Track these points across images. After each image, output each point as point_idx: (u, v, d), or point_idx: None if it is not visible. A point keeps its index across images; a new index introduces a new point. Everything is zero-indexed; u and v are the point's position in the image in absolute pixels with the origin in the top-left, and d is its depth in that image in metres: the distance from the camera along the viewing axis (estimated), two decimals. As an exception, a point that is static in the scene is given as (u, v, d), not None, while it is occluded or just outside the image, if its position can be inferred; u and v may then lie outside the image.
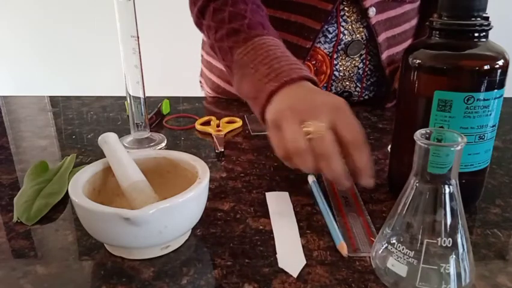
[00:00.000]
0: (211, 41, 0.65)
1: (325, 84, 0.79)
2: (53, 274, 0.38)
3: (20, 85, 2.16)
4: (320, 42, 0.75)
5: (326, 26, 0.73)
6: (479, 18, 0.42)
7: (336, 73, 0.78)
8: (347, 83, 0.79)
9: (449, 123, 0.42)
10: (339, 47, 0.75)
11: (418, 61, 0.43)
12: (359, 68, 0.78)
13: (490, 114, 0.43)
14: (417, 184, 0.35)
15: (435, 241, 0.34)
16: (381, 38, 0.76)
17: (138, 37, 0.59)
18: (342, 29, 0.74)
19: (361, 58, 0.77)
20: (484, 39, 0.43)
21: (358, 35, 0.75)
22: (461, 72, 0.42)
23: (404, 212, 0.36)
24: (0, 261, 0.40)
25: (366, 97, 0.83)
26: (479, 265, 0.39)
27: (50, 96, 0.90)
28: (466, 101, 0.41)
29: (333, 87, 0.80)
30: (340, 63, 0.77)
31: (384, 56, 0.77)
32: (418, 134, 0.34)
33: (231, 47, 0.61)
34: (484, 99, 0.42)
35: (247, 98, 0.58)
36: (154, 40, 1.53)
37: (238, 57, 0.59)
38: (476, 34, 0.42)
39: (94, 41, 1.99)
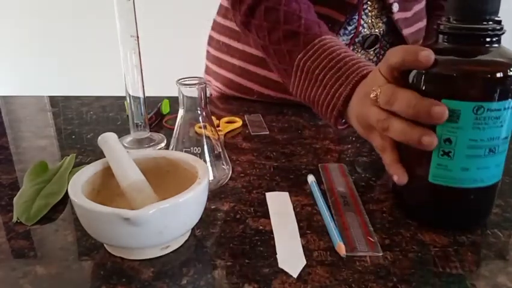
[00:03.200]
0: (264, 41, 0.66)
1: None
2: (52, 274, 0.38)
3: (20, 85, 2.16)
4: (339, 34, 0.76)
5: (348, 19, 0.74)
6: (490, 22, 0.39)
7: None
8: None
9: (457, 135, 0.39)
10: (357, 40, 0.77)
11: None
12: (372, 62, 0.80)
13: (502, 126, 0.39)
14: None
15: None
16: (405, 32, 0.77)
17: (138, 37, 0.59)
18: (362, 22, 0.75)
19: (375, 52, 0.79)
20: (496, 45, 0.40)
21: (376, 30, 0.77)
22: (471, 80, 0.39)
23: None
24: (0, 261, 0.40)
25: None
26: (480, 265, 0.39)
27: (49, 96, 0.90)
28: (475, 111, 0.38)
29: None
30: None
31: None
32: None
33: (290, 50, 0.61)
34: (495, 110, 0.38)
35: (315, 103, 0.59)
36: (154, 40, 1.53)
37: (300, 62, 0.60)
38: (488, 39, 0.39)
39: (94, 41, 1.99)
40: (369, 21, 0.76)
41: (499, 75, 0.38)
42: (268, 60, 0.68)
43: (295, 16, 0.62)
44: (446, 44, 0.41)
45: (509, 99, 0.39)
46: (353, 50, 0.78)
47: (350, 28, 0.75)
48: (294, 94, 0.63)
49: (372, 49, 0.78)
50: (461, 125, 0.39)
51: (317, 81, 0.57)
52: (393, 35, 0.78)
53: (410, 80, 0.42)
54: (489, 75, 0.39)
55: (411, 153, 0.43)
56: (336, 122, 0.56)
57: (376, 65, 0.79)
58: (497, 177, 0.42)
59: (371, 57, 0.80)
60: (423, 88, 0.41)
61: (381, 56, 0.80)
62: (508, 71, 0.38)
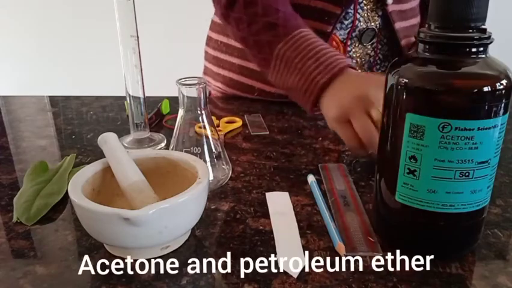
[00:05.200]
0: (243, 33, 0.69)
1: None
2: (52, 274, 0.38)
3: (20, 85, 2.16)
4: (336, 28, 0.76)
5: (344, 12, 0.75)
6: (475, 31, 0.35)
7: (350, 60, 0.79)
8: (359, 70, 0.82)
9: (422, 153, 0.36)
10: (353, 34, 0.77)
11: (396, 77, 0.37)
12: (370, 56, 0.81)
13: (477, 148, 0.35)
14: None
15: None
16: (397, 25, 0.78)
17: (138, 37, 0.59)
18: (358, 16, 0.76)
19: (372, 46, 0.80)
20: (482, 55, 0.36)
21: (372, 24, 0.78)
22: (436, 95, 0.35)
23: None
24: (0, 261, 0.40)
25: None
26: (480, 265, 0.39)
27: (49, 96, 0.90)
28: (440, 129, 0.35)
29: None
30: (353, 50, 0.80)
31: (403, 42, 0.80)
32: None
33: (270, 41, 0.65)
34: (466, 129, 0.34)
35: (292, 90, 0.63)
36: (154, 40, 1.53)
37: (280, 51, 0.64)
38: (470, 49, 0.35)
39: (94, 41, 1.99)
40: (365, 14, 0.77)
41: (470, 90, 0.34)
42: (247, 51, 0.71)
43: (273, 9, 0.66)
44: (426, 54, 0.37)
45: (488, 119, 0.34)
46: (351, 44, 0.78)
47: (346, 22, 0.76)
48: (272, 82, 0.67)
49: (370, 43, 0.79)
50: (427, 143, 0.36)
51: (296, 69, 0.62)
52: (389, 30, 0.79)
53: (386, 91, 0.39)
54: (459, 91, 0.35)
55: (384, 168, 0.41)
56: (312, 107, 0.61)
57: (373, 59, 0.82)
58: (475, 206, 0.37)
59: (369, 51, 0.81)
60: (394, 99, 0.38)
61: (378, 50, 0.81)
62: (483, 86, 0.34)
